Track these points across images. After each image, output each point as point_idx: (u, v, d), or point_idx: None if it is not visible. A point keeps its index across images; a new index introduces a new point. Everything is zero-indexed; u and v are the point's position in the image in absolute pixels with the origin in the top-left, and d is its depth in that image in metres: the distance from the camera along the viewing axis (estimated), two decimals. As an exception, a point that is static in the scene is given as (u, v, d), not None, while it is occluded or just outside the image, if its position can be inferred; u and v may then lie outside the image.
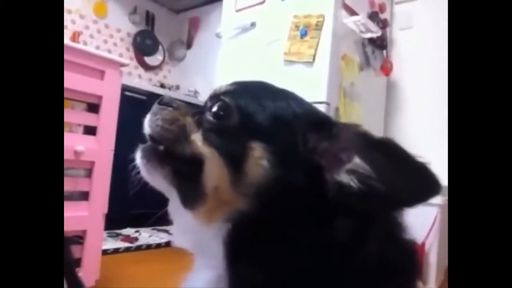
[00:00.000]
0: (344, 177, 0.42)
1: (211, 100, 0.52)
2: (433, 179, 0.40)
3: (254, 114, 0.48)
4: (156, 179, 0.52)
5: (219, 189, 0.46)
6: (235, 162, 0.46)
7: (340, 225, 0.42)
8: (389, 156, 0.41)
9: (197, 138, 0.50)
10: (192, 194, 0.48)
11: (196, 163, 0.48)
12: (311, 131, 0.46)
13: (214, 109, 0.50)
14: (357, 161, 0.42)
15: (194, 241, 0.50)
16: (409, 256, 0.47)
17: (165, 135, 0.52)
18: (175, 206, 0.51)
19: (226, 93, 0.51)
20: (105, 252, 1.96)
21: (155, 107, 0.55)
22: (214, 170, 0.47)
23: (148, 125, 0.53)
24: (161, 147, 0.52)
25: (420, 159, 0.40)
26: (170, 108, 0.54)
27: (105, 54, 1.50)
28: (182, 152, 0.50)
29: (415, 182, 0.40)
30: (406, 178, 0.40)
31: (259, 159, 0.45)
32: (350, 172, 0.42)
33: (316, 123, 0.48)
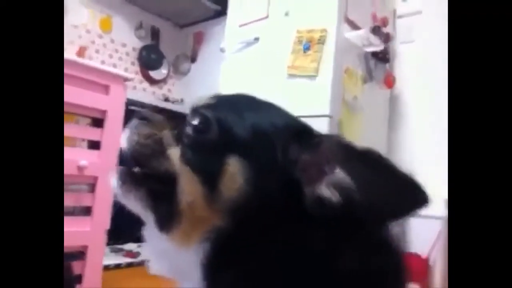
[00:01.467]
0: (325, 191, 0.40)
1: (191, 113, 0.51)
2: (418, 191, 0.38)
3: (233, 128, 0.47)
4: (131, 201, 0.51)
5: (193, 206, 0.45)
6: (210, 178, 0.45)
7: (320, 236, 0.41)
8: (372, 168, 0.39)
9: (173, 153, 0.49)
10: (167, 215, 0.47)
11: (170, 180, 0.47)
12: (291, 143, 0.45)
13: (194, 122, 0.49)
14: (338, 173, 0.40)
15: (171, 266, 0.49)
16: (395, 263, 0.45)
17: (141, 150, 0.51)
18: (150, 230, 0.50)
19: (206, 106, 0.50)
20: (107, 267, 1.94)
21: (133, 122, 0.54)
22: (188, 187, 0.46)
23: (125, 141, 0.52)
24: (137, 169, 0.51)
25: (405, 171, 0.38)
26: (148, 123, 0.53)
27: (110, 69, 1.51)
28: (158, 168, 0.49)
29: (399, 194, 0.39)
30: (390, 190, 0.38)
31: (234, 175, 0.44)
32: (330, 185, 0.40)
33: (296, 134, 0.46)
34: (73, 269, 1.17)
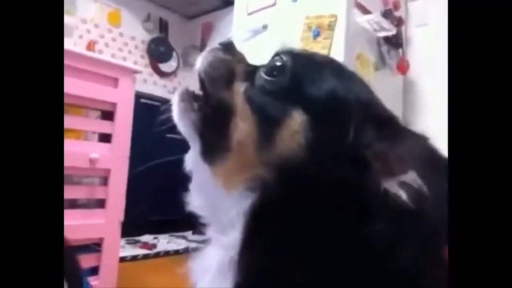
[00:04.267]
0: (393, 187, 0.37)
1: (272, 57, 0.50)
2: None
3: (308, 83, 0.44)
4: (184, 121, 0.50)
5: (242, 147, 0.44)
6: (268, 125, 0.43)
7: (374, 229, 0.37)
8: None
9: (238, 87, 0.48)
10: (214, 146, 0.46)
11: (227, 112, 0.46)
12: (370, 125, 0.41)
13: (269, 64, 0.48)
14: (411, 176, 0.37)
15: (210, 205, 0.48)
16: (441, 273, 0.40)
17: (210, 74, 0.50)
18: (195, 160, 0.49)
19: (288, 53, 0.48)
20: (123, 259, 1.97)
21: (213, 46, 0.54)
22: (243, 125, 0.44)
23: (200, 61, 0.52)
24: (200, 92, 0.51)
25: None
26: (227, 52, 0.53)
27: (118, 62, 1.51)
28: (219, 96, 0.48)
29: None
30: None
31: (295, 128, 0.41)
32: (402, 184, 0.37)
33: (380, 119, 0.42)
34: (81, 262, 1.16)
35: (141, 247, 2.39)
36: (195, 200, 0.50)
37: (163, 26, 3.73)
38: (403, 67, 2.18)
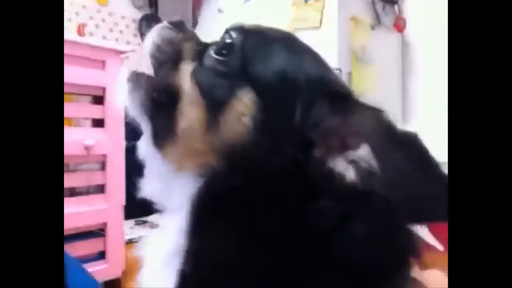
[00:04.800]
0: (340, 165, 0.35)
1: (223, 34, 0.47)
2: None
3: (258, 61, 0.42)
4: (133, 103, 0.48)
5: (189, 133, 0.42)
6: (216, 109, 0.41)
7: (319, 209, 0.36)
8: (409, 158, 0.33)
9: (185, 68, 0.46)
10: (164, 130, 0.44)
11: (173, 96, 0.44)
12: (321, 103, 0.39)
13: (219, 43, 0.45)
14: (364, 151, 0.34)
15: (162, 190, 0.46)
16: (401, 241, 0.39)
17: (156, 54, 0.48)
18: (146, 144, 0.48)
19: (238, 29, 0.46)
20: (132, 241, 1.99)
21: (162, 24, 0.51)
22: (190, 110, 0.43)
23: (147, 41, 0.50)
24: (148, 74, 0.49)
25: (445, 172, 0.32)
26: (175, 30, 0.50)
27: (103, 43, 1.47)
28: (166, 78, 0.46)
29: (431, 197, 0.32)
30: (421, 189, 0.32)
31: (243, 114, 0.40)
32: (350, 162, 0.35)
33: (330, 92, 0.40)
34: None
35: (150, 227, 2.42)
36: (148, 187, 0.48)
37: (152, 1, 3.62)
38: (399, 25, 2.11)
